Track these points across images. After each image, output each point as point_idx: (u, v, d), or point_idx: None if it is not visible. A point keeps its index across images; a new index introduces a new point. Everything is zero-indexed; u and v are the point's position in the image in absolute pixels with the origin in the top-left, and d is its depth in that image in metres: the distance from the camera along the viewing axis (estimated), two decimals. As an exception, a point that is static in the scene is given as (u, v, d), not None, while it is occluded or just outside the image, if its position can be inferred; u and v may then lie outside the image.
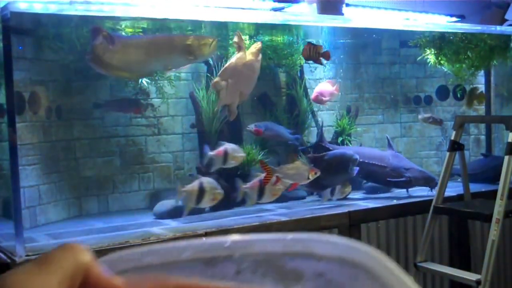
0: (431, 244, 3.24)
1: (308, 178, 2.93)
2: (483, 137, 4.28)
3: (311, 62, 3.37)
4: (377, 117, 4.22)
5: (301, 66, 3.69)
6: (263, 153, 3.35)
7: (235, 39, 2.93)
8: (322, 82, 3.74)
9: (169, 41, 2.90)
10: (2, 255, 2.34)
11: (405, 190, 3.50)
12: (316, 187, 3.25)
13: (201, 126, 3.30)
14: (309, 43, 3.20)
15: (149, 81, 3.15)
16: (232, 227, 2.69)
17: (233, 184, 2.98)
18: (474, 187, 3.46)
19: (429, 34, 3.77)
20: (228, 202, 3.03)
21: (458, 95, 4.21)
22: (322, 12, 3.22)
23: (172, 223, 2.85)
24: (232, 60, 2.92)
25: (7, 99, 2.42)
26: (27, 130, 2.83)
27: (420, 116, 4.02)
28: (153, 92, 3.27)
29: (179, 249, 0.37)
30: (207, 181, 2.84)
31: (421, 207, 3.22)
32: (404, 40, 4.05)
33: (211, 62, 3.28)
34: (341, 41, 4.02)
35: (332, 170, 3.17)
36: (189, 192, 2.80)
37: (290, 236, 0.37)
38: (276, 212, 3.05)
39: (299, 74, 3.71)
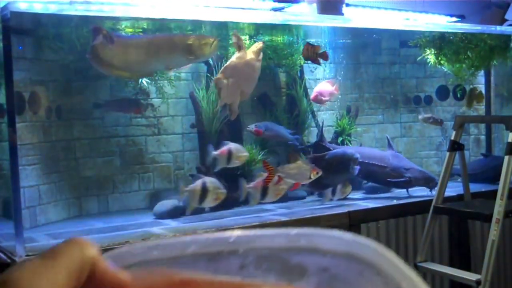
0: (431, 244, 3.24)
1: (310, 178, 2.93)
2: (483, 137, 4.28)
3: (310, 62, 3.38)
4: (377, 117, 4.22)
5: (301, 66, 3.69)
6: (263, 153, 3.35)
7: (234, 39, 2.93)
8: (322, 82, 3.74)
9: (169, 41, 2.90)
10: (2, 255, 2.34)
11: (405, 190, 3.50)
12: (317, 186, 3.26)
13: (201, 126, 3.30)
14: (308, 43, 3.21)
15: (149, 81, 3.15)
16: (232, 227, 2.69)
17: (233, 183, 2.97)
18: (474, 187, 3.46)
19: (429, 34, 3.77)
20: (229, 201, 3.03)
21: (458, 95, 4.20)
22: (322, 12, 3.22)
23: (172, 223, 2.85)
24: (233, 58, 2.92)
25: (7, 99, 2.42)
26: (27, 130, 2.83)
27: (420, 116, 4.02)
28: (153, 92, 3.27)
29: (185, 243, 0.37)
30: (210, 181, 2.84)
31: (421, 207, 3.22)
32: (404, 40, 4.05)
33: (211, 62, 3.28)
34: (341, 41, 4.02)
35: (333, 170, 3.17)
36: (192, 191, 2.80)
37: (294, 231, 0.37)
38: (276, 212, 3.05)
39: (299, 74, 3.71)
